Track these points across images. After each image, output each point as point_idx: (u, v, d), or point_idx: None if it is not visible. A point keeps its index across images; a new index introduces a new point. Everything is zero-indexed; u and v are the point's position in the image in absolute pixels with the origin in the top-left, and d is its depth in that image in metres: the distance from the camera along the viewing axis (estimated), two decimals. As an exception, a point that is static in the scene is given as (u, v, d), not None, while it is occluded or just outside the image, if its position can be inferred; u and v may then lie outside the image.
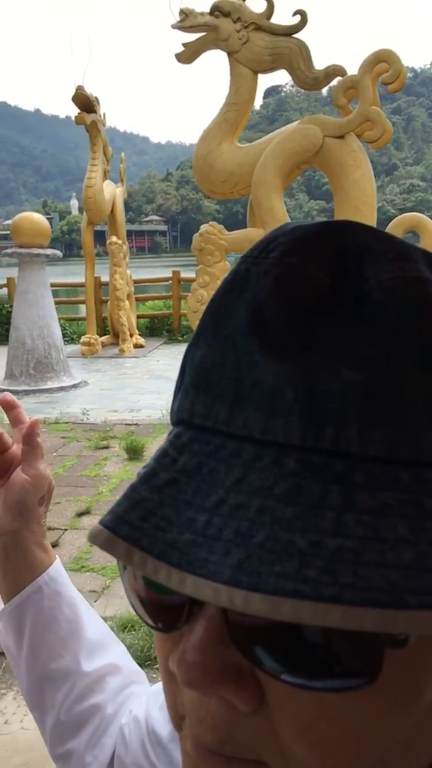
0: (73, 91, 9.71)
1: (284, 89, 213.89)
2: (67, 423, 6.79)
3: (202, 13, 6.82)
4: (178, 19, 6.88)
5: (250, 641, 0.28)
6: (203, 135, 7.03)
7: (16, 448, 0.71)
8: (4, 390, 7.13)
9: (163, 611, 0.32)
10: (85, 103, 9.85)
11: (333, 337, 0.29)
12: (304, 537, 0.25)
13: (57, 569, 0.71)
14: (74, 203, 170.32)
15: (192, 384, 0.32)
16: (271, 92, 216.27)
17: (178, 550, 0.27)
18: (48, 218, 8.19)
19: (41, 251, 8.23)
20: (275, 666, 0.28)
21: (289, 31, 6.64)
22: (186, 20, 6.84)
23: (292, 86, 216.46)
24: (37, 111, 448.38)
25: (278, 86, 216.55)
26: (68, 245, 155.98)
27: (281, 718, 0.29)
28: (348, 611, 0.24)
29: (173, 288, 13.07)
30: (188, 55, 7.03)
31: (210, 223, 7.01)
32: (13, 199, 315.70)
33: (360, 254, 0.30)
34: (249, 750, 0.31)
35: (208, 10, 6.78)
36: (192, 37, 6.93)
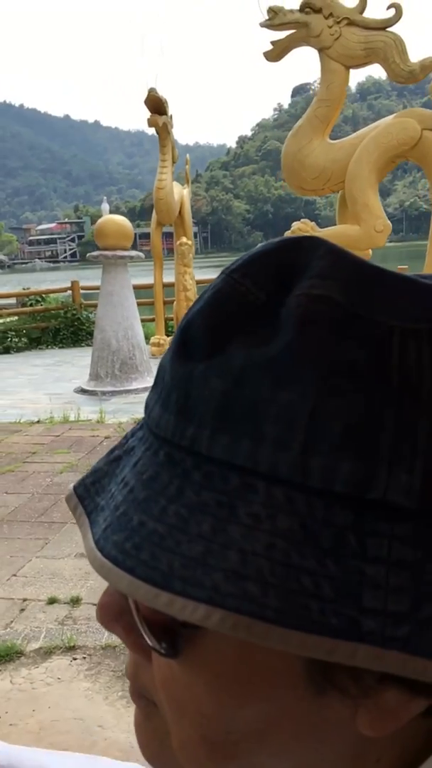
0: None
1: (312, 87, 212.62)
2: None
3: (291, 11, 6.80)
4: (266, 17, 6.88)
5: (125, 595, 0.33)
6: (293, 132, 7.00)
7: None
8: (90, 391, 7.19)
9: None
10: (157, 105, 9.90)
11: (233, 349, 0.30)
12: (139, 516, 0.30)
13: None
14: (105, 207, 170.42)
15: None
16: (299, 91, 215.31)
17: (97, 512, 0.32)
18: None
19: (125, 253, 8.31)
20: (134, 621, 0.33)
21: (384, 25, 6.58)
22: (275, 18, 6.82)
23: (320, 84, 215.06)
24: (67, 117, 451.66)
25: (306, 84, 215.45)
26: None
27: (154, 671, 0.34)
28: (132, 582, 0.28)
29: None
30: (277, 52, 7.01)
31: (302, 220, 7.00)
32: (45, 204, 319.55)
33: (299, 272, 0.31)
34: (147, 691, 0.36)
35: (297, 7, 6.77)
36: (280, 35, 6.92)
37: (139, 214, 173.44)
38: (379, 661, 0.26)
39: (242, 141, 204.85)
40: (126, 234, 8.32)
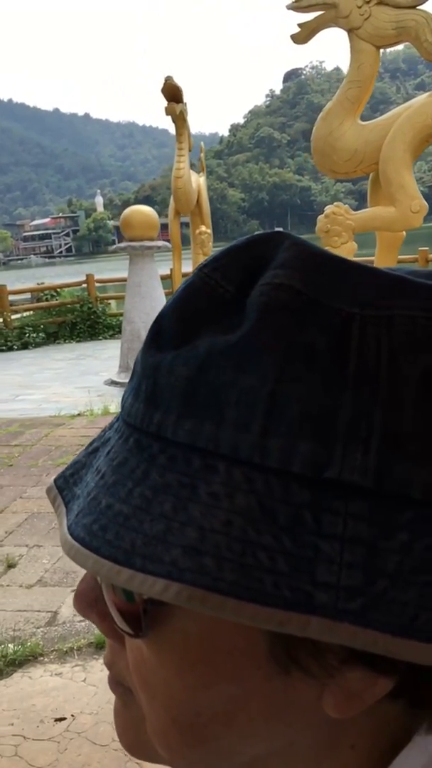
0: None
1: (304, 72, 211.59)
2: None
3: (318, -9, 6.72)
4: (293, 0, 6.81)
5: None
6: (323, 115, 6.94)
7: None
8: (122, 383, 7.23)
9: None
10: (174, 93, 9.80)
11: (201, 339, 0.31)
12: (107, 500, 0.31)
13: None
14: (99, 200, 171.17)
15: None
16: (290, 76, 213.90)
17: (73, 501, 0.34)
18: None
19: (153, 243, 8.26)
20: (104, 606, 0.35)
21: (414, 3, 6.51)
22: (302, 0, 6.75)
23: (312, 68, 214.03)
24: (56, 110, 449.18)
25: (297, 69, 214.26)
26: (95, 242, 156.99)
27: (128, 656, 0.36)
28: (97, 561, 0.30)
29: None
30: (305, 34, 6.94)
31: (335, 203, 6.95)
32: (37, 199, 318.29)
33: (266, 265, 0.32)
34: (123, 678, 0.37)
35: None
36: (308, 16, 6.85)
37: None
38: (331, 633, 0.27)
39: (235, 129, 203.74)
40: (152, 224, 8.27)
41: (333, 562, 0.27)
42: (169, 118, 10.00)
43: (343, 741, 0.34)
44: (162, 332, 0.34)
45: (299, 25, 6.92)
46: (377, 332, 0.29)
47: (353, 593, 0.27)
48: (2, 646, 2.88)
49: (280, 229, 0.35)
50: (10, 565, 3.67)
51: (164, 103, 9.76)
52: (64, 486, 0.36)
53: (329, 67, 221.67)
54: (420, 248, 10.85)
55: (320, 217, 6.87)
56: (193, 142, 11.13)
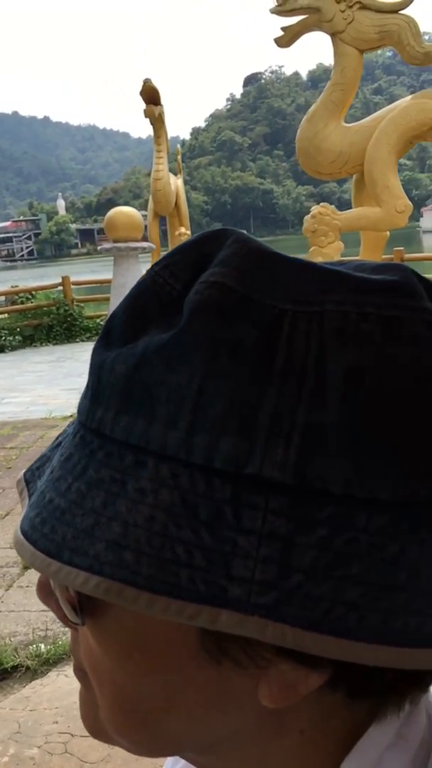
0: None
1: (264, 76, 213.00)
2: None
3: (301, -5, 6.81)
4: (277, 3, 6.89)
5: None
6: (308, 117, 7.05)
7: None
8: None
9: None
10: (153, 95, 9.83)
11: (142, 337, 0.32)
12: (50, 494, 0.32)
13: None
14: (61, 203, 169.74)
15: None
16: (250, 80, 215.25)
17: (35, 494, 0.34)
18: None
19: (138, 244, 8.26)
20: (59, 596, 0.36)
21: (397, 8, 6.67)
22: (285, 4, 6.84)
23: (272, 73, 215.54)
24: (15, 113, 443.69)
25: (257, 74, 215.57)
26: (58, 245, 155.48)
27: (81, 643, 0.37)
28: (33, 554, 0.31)
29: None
30: (289, 38, 7.05)
31: (321, 204, 7.07)
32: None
33: (210, 263, 0.32)
34: (82, 663, 0.38)
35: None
36: (291, 20, 6.94)
37: (96, 210, 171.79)
38: (241, 626, 0.28)
39: (196, 132, 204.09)
40: (136, 225, 8.27)
41: (249, 557, 0.28)
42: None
43: (291, 726, 0.35)
44: (112, 331, 0.34)
45: (283, 28, 7.02)
46: (308, 328, 0.29)
47: (267, 587, 0.28)
48: (34, 646, 2.87)
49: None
50: (26, 566, 3.64)
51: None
52: (31, 479, 0.36)
53: (288, 71, 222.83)
54: (395, 248, 11.05)
55: (307, 218, 6.97)
56: (169, 145, 11.14)
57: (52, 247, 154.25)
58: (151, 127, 10.34)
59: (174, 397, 0.30)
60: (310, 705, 0.33)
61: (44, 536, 0.31)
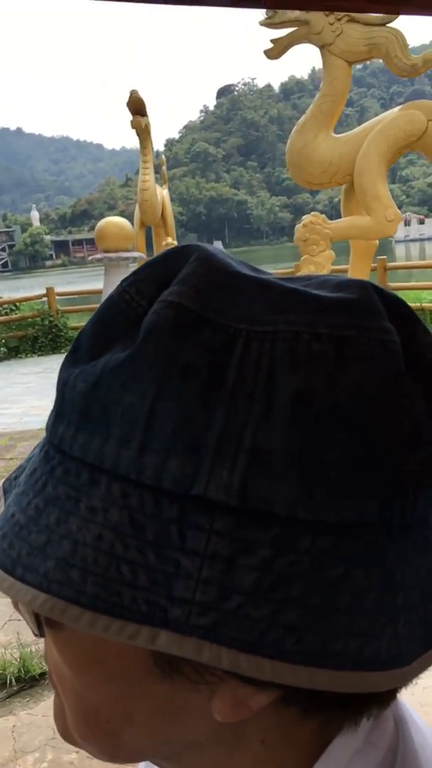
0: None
1: (236, 88, 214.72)
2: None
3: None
4: (266, 16, 6.99)
5: None
6: (297, 129, 7.14)
7: None
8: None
9: None
10: (139, 107, 9.91)
11: (106, 354, 0.32)
12: (13, 508, 0.33)
13: None
14: (35, 215, 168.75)
15: None
16: (223, 92, 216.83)
17: (4, 507, 0.35)
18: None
19: (129, 254, 8.30)
20: (22, 608, 0.36)
21: (384, 21, 6.79)
22: (275, 16, 6.94)
23: (244, 85, 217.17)
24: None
25: (230, 86, 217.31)
26: (32, 257, 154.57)
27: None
28: None
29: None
30: (278, 50, 7.15)
31: (312, 213, 7.15)
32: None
33: (173, 280, 0.32)
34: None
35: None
36: (280, 33, 7.05)
37: (71, 221, 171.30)
38: (178, 647, 0.28)
39: (170, 144, 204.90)
40: (127, 236, 8.32)
41: (191, 578, 0.28)
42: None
43: (252, 737, 0.35)
44: (80, 347, 0.34)
45: (272, 41, 7.12)
46: (260, 348, 0.29)
47: (206, 609, 0.28)
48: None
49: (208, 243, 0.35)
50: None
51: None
52: (8, 489, 0.36)
53: (261, 83, 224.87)
54: (379, 257, 11.20)
55: (298, 227, 7.05)
56: (154, 156, 11.20)
57: (27, 259, 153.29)
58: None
59: (127, 416, 0.30)
60: (270, 716, 0.33)
61: (3, 551, 0.32)
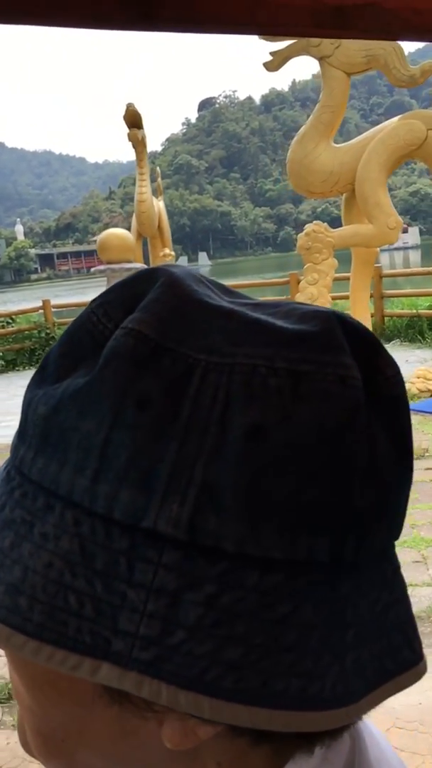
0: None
1: (217, 101, 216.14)
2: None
3: (288, 22, 7.04)
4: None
5: None
6: (298, 139, 7.24)
7: None
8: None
9: None
10: (135, 120, 10.00)
11: (72, 375, 0.32)
12: None
13: None
14: (19, 228, 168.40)
15: None
16: (205, 105, 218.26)
17: None
18: None
19: (131, 265, 8.36)
20: None
21: (382, 34, 6.92)
22: (274, 29, 7.06)
23: (225, 97, 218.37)
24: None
25: (211, 98, 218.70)
26: (17, 271, 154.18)
27: None
28: None
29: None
30: (277, 63, 7.25)
31: (314, 222, 7.23)
32: None
33: (139, 304, 0.32)
34: None
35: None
36: (280, 45, 7.16)
37: (55, 234, 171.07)
38: (119, 681, 0.28)
39: (153, 157, 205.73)
40: (129, 247, 8.39)
41: (136, 611, 0.28)
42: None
43: (207, 759, 0.34)
44: (47, 366, 0.34)
45: (271, 53, 7.22)
46: (218, 380, 0.29)
47: (149, 643, 0.28)
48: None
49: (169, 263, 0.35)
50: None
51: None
52: None
53: (242, 96, 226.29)
54: (375, 265, 11.34)
55: (301, 235, 7.13)
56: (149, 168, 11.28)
57: (12, 273, 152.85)
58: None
59: (84, 443, 0.30)
60: (223, 741, 0.32)
61: None
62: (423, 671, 0.33)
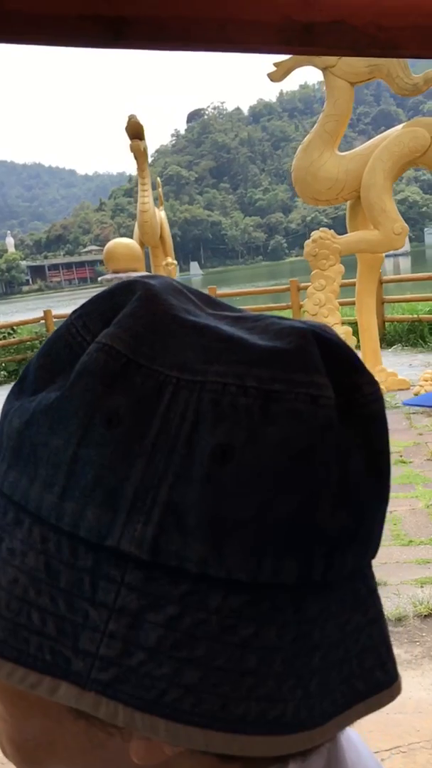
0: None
1: (206, 112, 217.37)
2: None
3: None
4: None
5: None
6: (303, 147, 7.35)
7: None
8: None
9: None
10: (137, 131, 10.09)
11: (49, 387, 0.32)
12: None
13: None
14: (10, 241, 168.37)
15: None
16: (194, 116, 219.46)
17: None
18: None
19: (139, 274, 8.40)
20: None
21: (384, 44, 7.05)
22: (278, 41, 7.18)
23: (214, 109, 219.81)
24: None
25: (200, 110, 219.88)
26: (8, 283, 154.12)
27: None
28: None
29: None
30: (281, 73, 7.37)
31: (321, 229, 7.34)
32: None
33: (115, 317, 0.31)
34: None
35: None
36: (284, 56, 7.29)
37: (46, 246, 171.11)
38: (77, 701, 0.28)
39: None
40: (136, 256, 8.48)
41: (97, 631, 0.28)
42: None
43: None
44: (26, 377, 0.34)
45: (275, 64, 7.34)
46: (188, 398, 0.28)
47: (108, 663, 0.28)
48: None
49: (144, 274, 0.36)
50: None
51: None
52: None
53: (230, 107, 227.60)
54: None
55: (307, 242, 7.24)
56: (153, 178, 11.37)
57: (3, 285, 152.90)
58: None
59: (53, 459, 0.30)
60: (192, 757, 0.31)
61: None
62: (397, 692, 0.33)
